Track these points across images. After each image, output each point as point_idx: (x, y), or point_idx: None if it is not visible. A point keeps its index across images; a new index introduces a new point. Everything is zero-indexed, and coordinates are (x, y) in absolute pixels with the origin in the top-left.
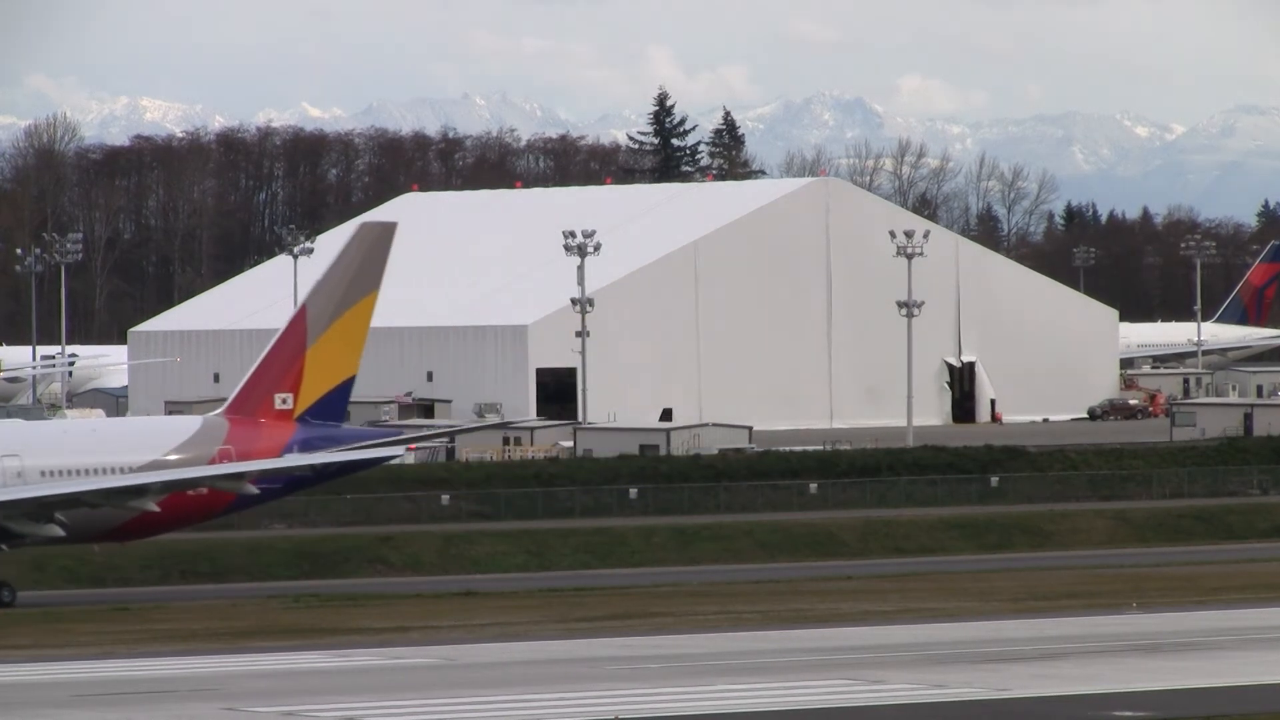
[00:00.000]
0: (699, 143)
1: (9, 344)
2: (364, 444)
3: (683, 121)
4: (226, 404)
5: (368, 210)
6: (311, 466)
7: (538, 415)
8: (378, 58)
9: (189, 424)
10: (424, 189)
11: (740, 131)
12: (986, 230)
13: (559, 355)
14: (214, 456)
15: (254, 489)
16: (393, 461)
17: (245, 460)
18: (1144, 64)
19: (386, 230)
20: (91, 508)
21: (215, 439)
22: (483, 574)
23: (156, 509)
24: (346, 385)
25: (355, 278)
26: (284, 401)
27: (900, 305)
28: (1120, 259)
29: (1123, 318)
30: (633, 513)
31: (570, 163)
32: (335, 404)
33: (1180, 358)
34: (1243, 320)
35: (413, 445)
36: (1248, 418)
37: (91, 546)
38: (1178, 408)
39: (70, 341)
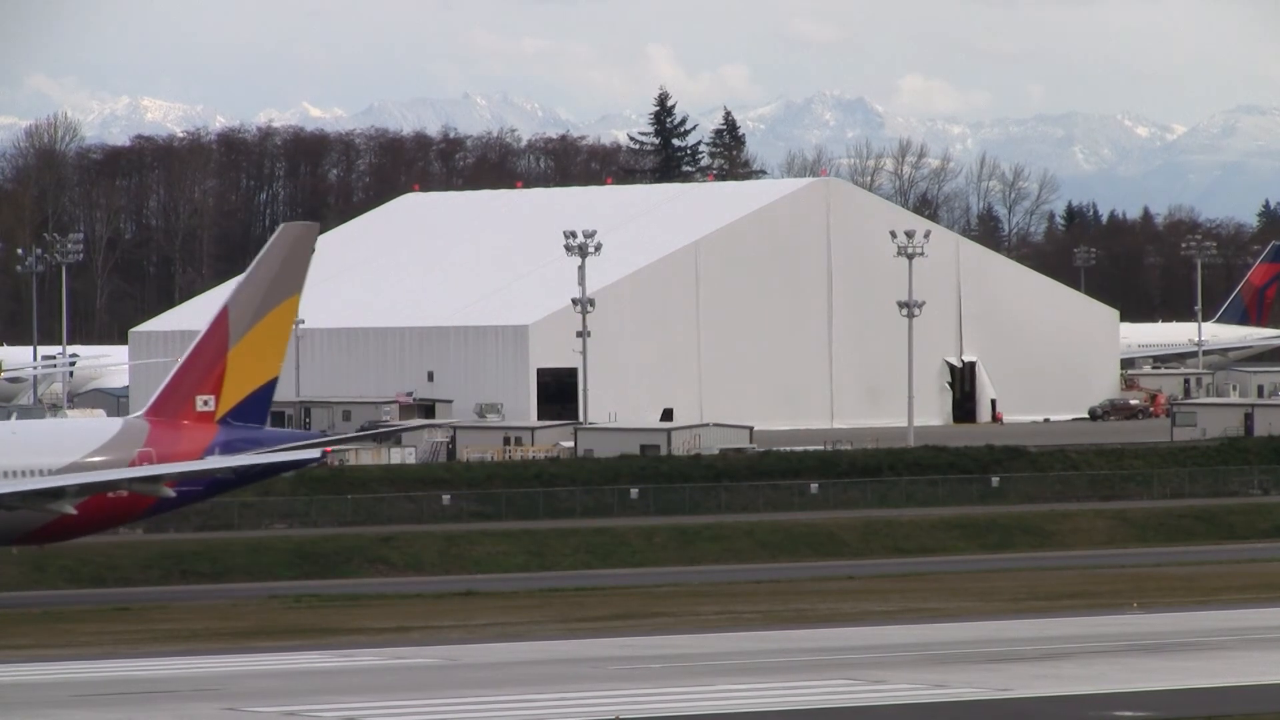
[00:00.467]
0: (699, 143)
1: (10, 344)
2: (285, 446)
3: (683, 121)
4: (148, 406)
5: (368, 210)
6: (233, 469)
7: (538, 416)
8: (378, 58)
9: (109, 426)
10: (425, 189)
11: (741, 131)
12: (987, 230)
13: (560, 355)
14: (134, 459)
15: (171, 492)
16: (394, 462)
17: (166, 462)
18: (1144, 64)
19: (308, 231)
20: (8, 510)
21: (136, 441)
22: (483, 574)
23: (74, 511)
24: (269, 387)
25: (276, 279)
26: (206, 403)
27: (901, 305)
28: (1121, 259)
29: (1123, 318)
30: (634, 513)
31: (571, 163)
32: (257, 406)
33: (1181, 358)
34: (1243, 320)
35: (329, 449)
36: (1248, 418)
37: (10, 550)
38: (1178, 408)
39: (71, 342)
